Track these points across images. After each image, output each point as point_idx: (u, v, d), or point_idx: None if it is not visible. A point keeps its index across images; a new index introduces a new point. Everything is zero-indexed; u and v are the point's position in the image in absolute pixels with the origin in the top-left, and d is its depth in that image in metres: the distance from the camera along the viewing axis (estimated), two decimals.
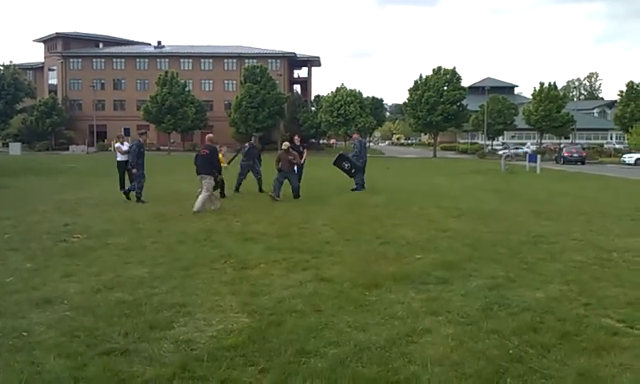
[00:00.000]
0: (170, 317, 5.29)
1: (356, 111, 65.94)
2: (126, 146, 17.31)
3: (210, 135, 15.08)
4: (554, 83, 68.47)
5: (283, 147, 16.31)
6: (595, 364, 4.26)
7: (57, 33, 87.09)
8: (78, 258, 7.91)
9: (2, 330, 4.86)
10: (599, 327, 5.05)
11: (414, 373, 4.07)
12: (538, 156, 35.22)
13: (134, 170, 14.91)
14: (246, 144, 18.54)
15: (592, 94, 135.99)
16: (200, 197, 13.02)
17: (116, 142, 18.14)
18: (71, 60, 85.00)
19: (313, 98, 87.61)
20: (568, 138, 75.81)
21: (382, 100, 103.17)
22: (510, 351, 4.47)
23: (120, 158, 17.38)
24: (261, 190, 17.12)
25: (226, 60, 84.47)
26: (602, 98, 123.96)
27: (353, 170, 18.50)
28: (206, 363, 4.22)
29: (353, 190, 18.06)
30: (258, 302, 5.78)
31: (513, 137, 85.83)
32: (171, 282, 6.58)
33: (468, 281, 6.66)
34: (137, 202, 14.48)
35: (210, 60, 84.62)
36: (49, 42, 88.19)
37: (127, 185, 16.11)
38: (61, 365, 4.16)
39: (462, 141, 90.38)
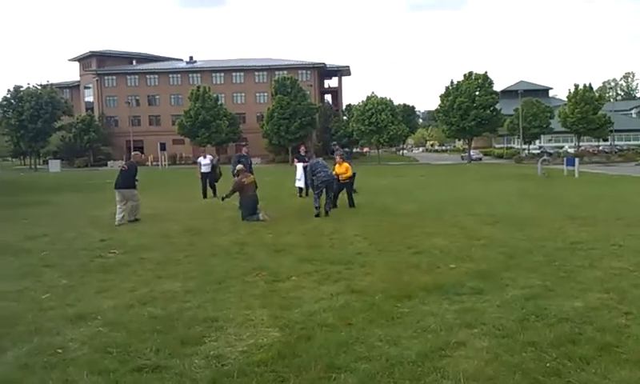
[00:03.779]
0: (201, 332, 5.29)
1: (387, 119, 65.61)
2: (207, 160, 20.57)
3: (136, 152, 16.60)
4: (590, 84, 67.03)
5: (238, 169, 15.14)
6: (637, 377, 4.09)
7: (91, 51, 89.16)
8: (113, 273, 8.02)
9: (38, 348, 4.93)
10: None
11: None
12: (576, 159, 34.41)
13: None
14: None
15: (629, 94, 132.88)
16: (131, 207, 13.89)
17: (199, 157, 21.46)
18: (106, 77, 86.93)
19: (344, 107, 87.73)
20: (606, 139, 74.07)
21: (413, 107, 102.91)
22: (548, 364, 4.32)
23: (204, 169, 20.39)
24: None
25: (256, 73, 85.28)
26: None
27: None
28: (236, 379, 4.20)
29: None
30: (288, 315, 5.74)
31: (550, 140, 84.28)
32: (203, 296, 6.60)
33: (504, 291, 6.49)
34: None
35: (242, 73, 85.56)
36: (84, 60, 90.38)
37: (209, 194, 19.70)
38: (93, 382, 4.20)
39: (497, 145, 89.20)
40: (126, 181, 13.99)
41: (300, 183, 19.52)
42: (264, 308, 6.02)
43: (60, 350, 4.85)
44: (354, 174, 16.11)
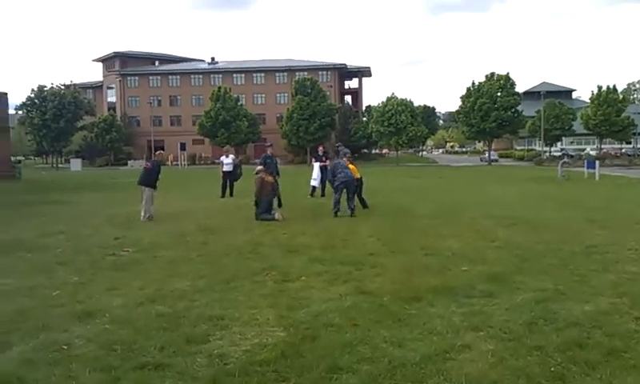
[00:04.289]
0: (207, 330, 5.31)
1: (407, 120, 65.33)
2: (230, 159, 20.73)
3: (160, 152, 16.86)
4: (614, 86, 66.00)
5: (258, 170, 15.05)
6: None
7: (114, 52, 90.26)
8: (124, 271, 8.08)
9: (44, 343, 4.98)
10: None
11: None
12: (597, 162, 33.89)
13: None
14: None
15: None
16: (143, 204, 14.11)
17: (222, 156, 21.62)
18: (129, 78, 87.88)
19: (364, 108, 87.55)
20: (629, 142, 72.92)
21: (434, 108, 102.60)
22: (552, 368, 4.25)
23: (225, 168, 20.57)
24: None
25: (277, 74, 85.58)
26: None
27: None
28: (237, 378, 4.20)
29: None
30: (295, 315, 5.72)
31: (572, 142, 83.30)
32: (212, 294, 6.61)
33: (514, 294, 6.41)
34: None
35: (262, 74, 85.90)
36: (107, 61, 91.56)
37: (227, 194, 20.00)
38: (95, 379, 4.23)
39: (518, 147, 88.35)
40: (147, 178, 14.37)
41: (315, 182, 19.65)
42: (271, 308, 6.02)
43: (65, 347, 4.89)
44: (360, 179, 15.92)
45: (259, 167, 15.36)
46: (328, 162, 19.51)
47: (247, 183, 16.07)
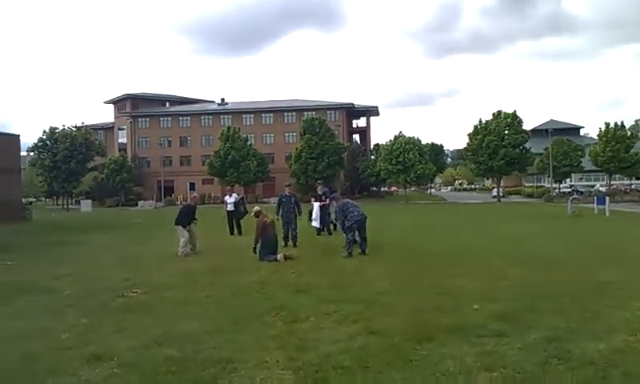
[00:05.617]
0: (214, 373, 5.25)
1: (415, 158, 65.52)
2: (232, 198, 21.18)
3: (195, 195, 18.70)
4: (622, 123, 66.11)
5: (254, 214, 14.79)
6: None
7: (126, 94, 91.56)
8: (133, 312, 8.05)
9: None
10: None
11: None
12: (607, 198, 33.73)
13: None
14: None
15: None
16: (180, 244, 15.17)
17: (225, 195, 22.54)
18: (139, 119, 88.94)
19: (372, 146, 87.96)
20: (639, 178, 72.56)
21: (441, 146, 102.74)
22: None
23: (229, 207, 21.08)
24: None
25: (285, 113, 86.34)
26: None
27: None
28: None
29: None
30: (304, 357, 5.66)
31: (581, 179, 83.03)
32: (220, 336, 6.56)
33: (526, 333, 6.31)
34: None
35: (271, 114, 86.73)
36: (118, 102, 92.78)
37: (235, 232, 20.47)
38: None
39: (527, 184, 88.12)
40: (178, 218, 15.74)
41: (315, 223, 19.44)
42: (280, 349, 5.96)
43: None
44: None
45: (256, 208, 15.25)
46: (327, 202, 19.52)
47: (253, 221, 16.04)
